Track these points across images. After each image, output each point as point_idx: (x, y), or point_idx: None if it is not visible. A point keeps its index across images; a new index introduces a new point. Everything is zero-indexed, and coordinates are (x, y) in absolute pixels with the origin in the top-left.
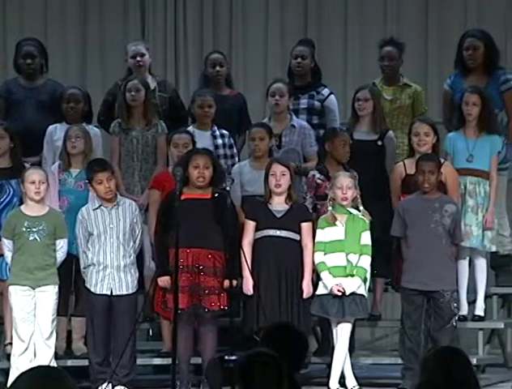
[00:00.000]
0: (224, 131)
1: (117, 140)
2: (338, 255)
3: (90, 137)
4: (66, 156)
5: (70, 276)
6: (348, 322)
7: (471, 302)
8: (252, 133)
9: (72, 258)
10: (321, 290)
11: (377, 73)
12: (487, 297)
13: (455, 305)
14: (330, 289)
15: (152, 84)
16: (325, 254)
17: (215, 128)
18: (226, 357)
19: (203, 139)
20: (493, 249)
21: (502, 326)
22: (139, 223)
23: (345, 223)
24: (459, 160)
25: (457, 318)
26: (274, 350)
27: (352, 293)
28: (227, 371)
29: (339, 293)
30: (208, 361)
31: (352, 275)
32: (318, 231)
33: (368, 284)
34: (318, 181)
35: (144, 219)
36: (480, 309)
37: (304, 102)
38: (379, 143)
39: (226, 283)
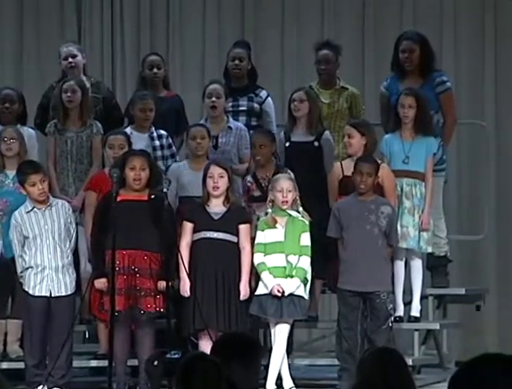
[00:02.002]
0: (162, 132)
1: (53, 141)
2: (278, 256)
3: (24, 138)
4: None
5: (6, 279)
6: (286, 322)
7: (407, 303)
8: (193, 132)
9: (9, 261)
10: (260, 290)
11: (315, 75)
12: (423, 298)
13: (391, 306)
14: (271, 290)
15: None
16: (265, 255)
17: (153, 129)
18: (168, 355)
19: (141, 141)
20: (429, 250)
21: (438, 327)
22: (73, 223)
23: (285, 225)
24: (396, 162)
25: (393, 318)
26: (228, 358)
27: (291, 294)
28: (167, 364)
29: (279, 294)
30: (148, 356)
31: (292, 276)
32: (258, 233)
33: (308, 285)
34: (248, 183)
35: (80, 220)
36: (415, 310)
37: (243, 104)
38: (315, 143)
39: (160, 284)
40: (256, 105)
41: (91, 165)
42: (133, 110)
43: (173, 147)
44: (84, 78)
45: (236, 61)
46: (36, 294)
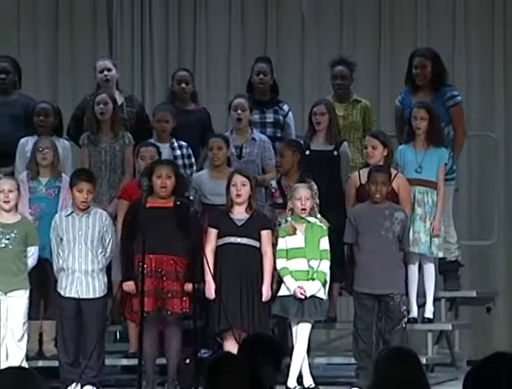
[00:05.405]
0: (183, 142)
1: (87, 152)
2: (300, 261)
3: (57, 148)
4: (34, 166)
5: (41, 281)
6: (308, 322)
7: (421, 305)
8: (210, 143)
9: (45, 263)
10: (283, 292)
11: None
12: (435, 300)
13: (404, 307)
14: (294, 291)
15: (120, 99)
16: (287, 260)
17: (174, 140)
18: (199, 354)
19: (163, 151)
20: (440, 255)
21: (450, 327)
22: (110, 232)
23: (304, 231)
24: (409, 171)
25: (406, 320)
26: (253, 358)
27: (312, 296)
28: (199, 363)
29: (302, 297)
30: (179, 359)
31: (313, 279)
32: (280, 240)
33: (327, 286)
34: (272, 190)
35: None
36: (429, 312)
37: (270, 116)
38: (335, 153)
39: (187, 286)
40: (281, 118)
41: (124, 174)
42: (153, 122)
43: (192, 158)
44: (117, 92)
45: (261, 76)
46: (66, 295)
